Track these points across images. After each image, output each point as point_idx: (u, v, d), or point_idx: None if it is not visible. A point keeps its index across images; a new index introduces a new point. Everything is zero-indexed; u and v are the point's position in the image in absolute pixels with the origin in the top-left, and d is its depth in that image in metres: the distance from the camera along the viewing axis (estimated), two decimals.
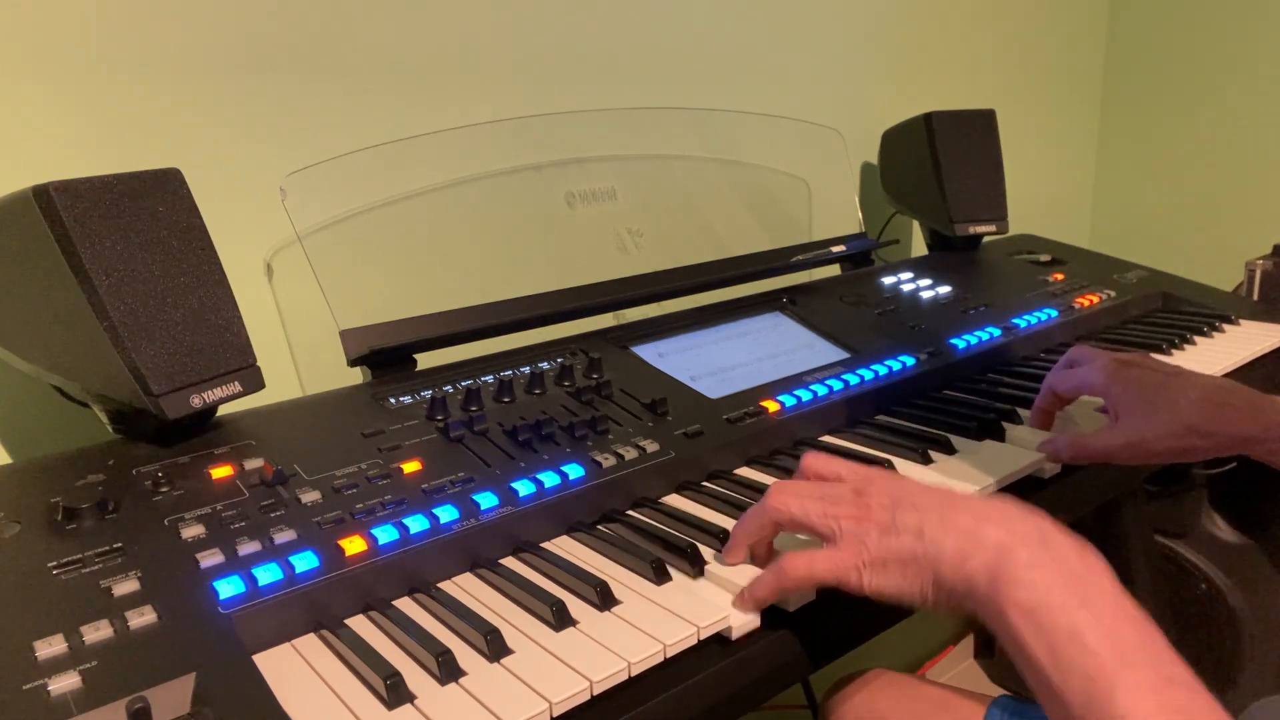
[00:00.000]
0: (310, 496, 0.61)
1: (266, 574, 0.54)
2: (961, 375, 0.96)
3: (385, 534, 0.59)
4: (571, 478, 0.67)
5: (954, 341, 0.99)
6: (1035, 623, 0.44)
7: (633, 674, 0.50)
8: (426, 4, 0.97)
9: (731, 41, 1.25)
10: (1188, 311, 1.19)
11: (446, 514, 0.61)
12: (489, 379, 0.80)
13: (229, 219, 0.79)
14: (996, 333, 1.03)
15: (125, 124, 0.81)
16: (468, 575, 0.61)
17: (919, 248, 1.47)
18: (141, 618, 0.49)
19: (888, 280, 1.14)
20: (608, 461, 0.70)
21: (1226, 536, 1.41)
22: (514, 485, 0.65)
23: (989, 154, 1.31)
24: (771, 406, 0.81)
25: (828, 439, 0.82)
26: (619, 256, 1.00)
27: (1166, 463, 0.75)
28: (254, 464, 0.64)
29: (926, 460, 0.75)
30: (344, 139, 0.91)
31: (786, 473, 0.74)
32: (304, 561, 0.55)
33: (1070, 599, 0.44)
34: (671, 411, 0.77)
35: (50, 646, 0.47)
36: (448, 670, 0.49)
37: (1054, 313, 1.10)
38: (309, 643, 0.54)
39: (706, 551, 0.61)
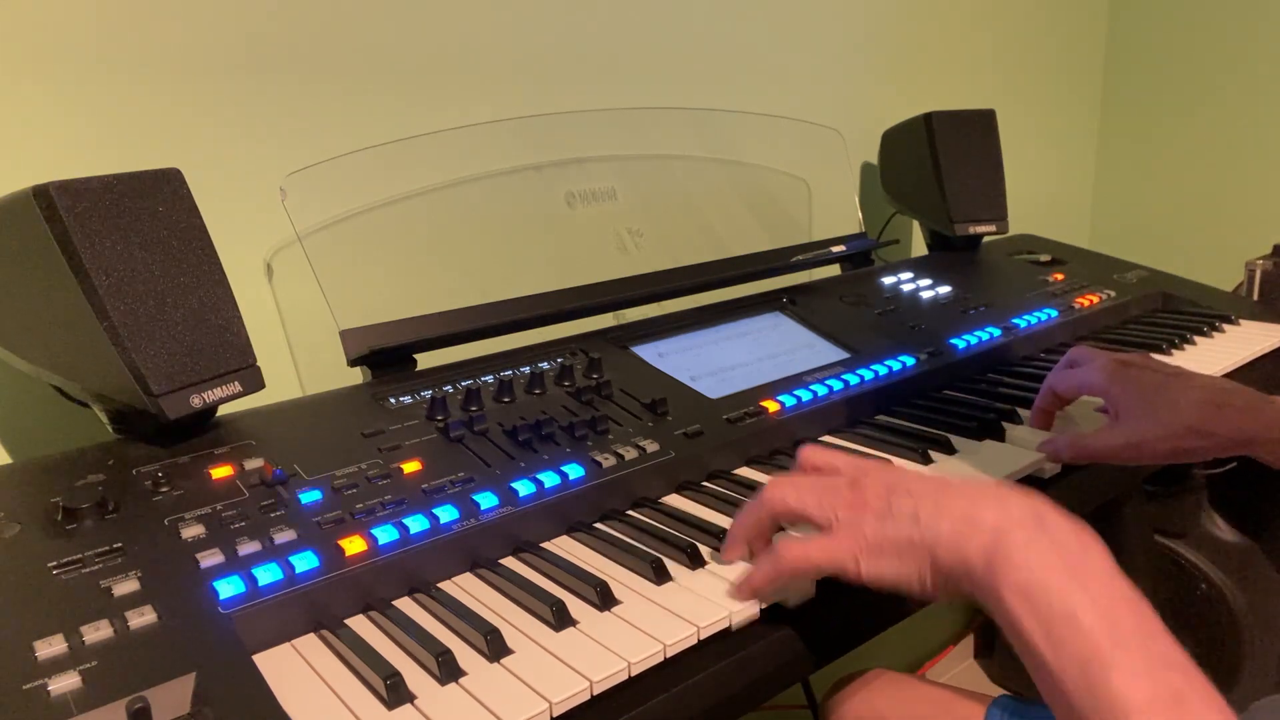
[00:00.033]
0: (310, 496, 0.61)
1: (266, 574, 0.54)
2: (961, 375, 0.96)
3: (385, 534, 0.59)
4: (571, 478, 0.67)
5: (954, 341, 0.99)
6: (1031, 604, 0.44)
7: (633, 674, 0.50)
8: (426, 4, 0.97)
9: (731, 41, 1.25)
10: (1188, 311, 1.19)
11: (446, 514, 0.61)
12: (489, 379, 0.80)
13: (229, 219, 0.79)
14: (996, 333, 1.03)
15: (125, 124, 0.81)
16: (468, 575, 0.61)
17: (919, 248, 1.47)
18: (141, 618, 0.49)
19: (888, 280, 1.14)
20: (608, 461, 0.70)
21: (1226, 536, 1.41)
22: (514, 485, 0.65)
23: (989, 154, 1.31)
24: (771, 406, 0.81)
25: (828, 439, 0.82)
26: (619, 256, 1.00)
27: (1166, 463, 0.75)
28: (254, 464, 0.64)
29: (926, 460, 0.75)
30: (344, 139, 0.91)
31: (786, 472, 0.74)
32: (304, 561, 0.55)
33: (1066, 581, 0.44)
34: (671, 411, 0.77)
35: (50, 646, 0.47)
36: (448, 670, 0.49)
37: (1054, 313, 1.10)
38: (309, 643, 0.54)
39: (706, 551, 0.61)
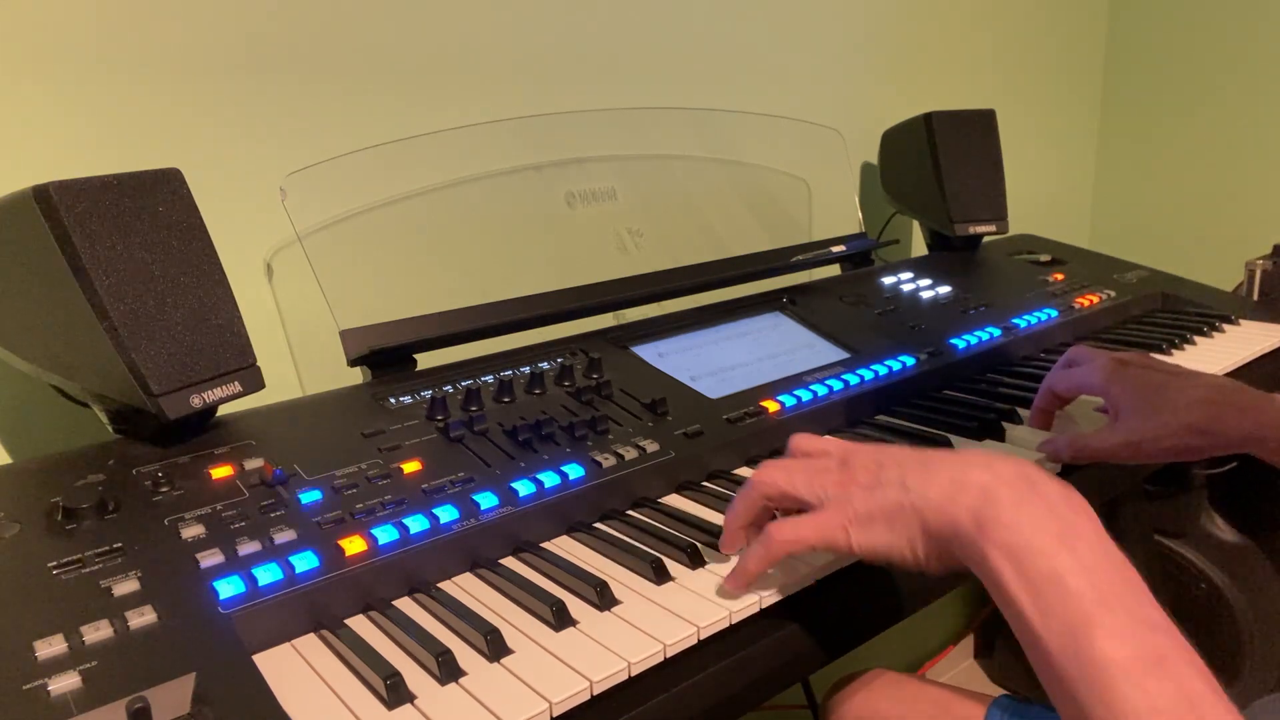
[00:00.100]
0: (310, 496, 0.61)
1: (266, 574, 0.54)
2: (961, 375, 0.96)
3: (385, 534, 0.59)
4: (571, 478, 0.67)
5: (954, 341, 0.99)
6: (1017, 565, 0.44)
7: (633, 674, 0.50)
8: (426, 4, 0.97)
9: (731, 41, 1.25)
10: (1188, 311, 1.19)
11: (446, 514, 0.61)
12: (489, 379, 0.80)
13: (229, 219, 0.79)
14: (996, 333, 1.03)
15: (125, 124, 0.81)
16: (468, 575, 0.61)
17: (919, 248, 1.47)
18: (141, 618, 0.49)
19: (888, 280, 1.14)
20: (608, 461, 0.70)
21: (1226, 536, 1.41)
22: (514, 485, 0.65)
23: (989, 154, 1.31)
24: (771, 406, 0.81)
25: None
26: (619, 256, 1.00)
27: (1166, 462, 0.75)
28: (254, 464, 0.64)
29: None
30: (344, 139, 0.91)
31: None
32: (304, 561, 0.55)
33: (1053, 542, 0.44)
34: (671, 411, 0.77)
35: (50, 646, 0.47)
36: (448, 670, 0.49)
37: (1054, 313, 1.10)
38: (309, 643, 0.54)
39: (707, 551, 0.61)
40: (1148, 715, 0.38)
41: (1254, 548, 1.40)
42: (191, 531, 0.56)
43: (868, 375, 0.89)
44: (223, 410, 0.70)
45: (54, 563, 0.53)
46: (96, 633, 0.48)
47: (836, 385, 0.86)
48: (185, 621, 0.50)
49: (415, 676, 0.49)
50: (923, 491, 0.50)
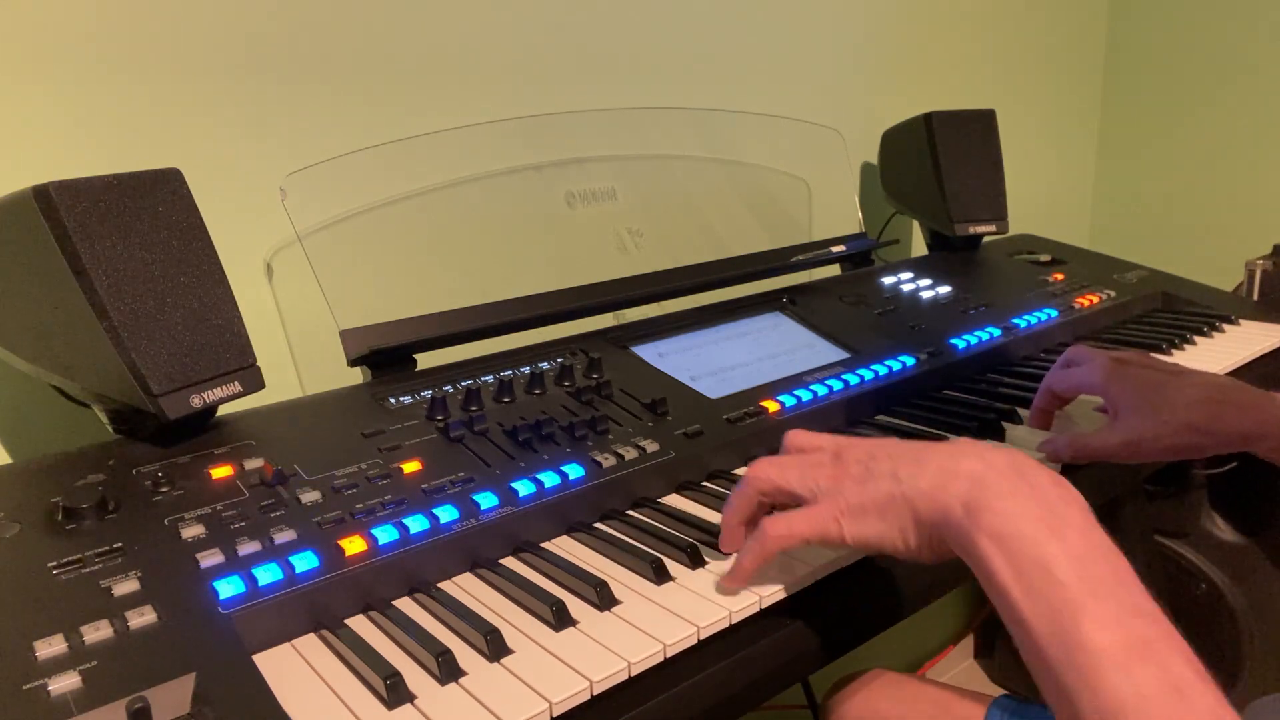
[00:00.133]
0: (310, 496, 0.61)
1: (266, 574, 0.54)
2: (961, 375, 0.96)
3: (385, 534, 0.59)
4: (571, 478, 0.67)
5: (954, 341, 0.99)
6: (1006, 551, 0.44)
7: (633, 674, 0.50)
8: (426, 4, 0.97)
9: (731, 41, 1.25)
10: (1188, 311, 1.19)
11: (446, 514, 0.61)
12: (489, 379, 0.80)
13: (229, 219, 0.79)
14: (996, 333, 1.03)
15: (125, 124, 0.81)
16: (468, 575, 0.61)
17: (919, 248, 1.47)
18: (141, 618, 0.49)
19: (888, 280, 1.14)
20: (608, 461, 0.70)
21: (1226, 536, 1.41)
22: (514, 485, 0.65)
23: (989, 154, 1.31)
24: (771, 406, 0.81)
25: None
26: (619, 256, 1.00)
27: (1166, 461, 0.75)
28: (254, 464, 0.64)
29: None
30: (344, 139, 0.91)
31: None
32: (304, 561, 0.55)
33: (1042, 529, 0.44)
34: (671, 411, 0.77)
35: (50, 646, 0.47)
36: (448, 670, 0.49)
37: (1054, 313, 1.10)
38: (309, 643, 0.54)
39: (707, 551, 0.61)
40: (1134, 701, 0.38)
41: (1254, 548, 1.40)
42: (191, 531, 0.56)
43: (868, 375, 0.89)
44: (223, 410, 0.70)
45: (54, 563, 0.53)
46: (96, 633, 0.48)
47: (836, 385, 0.86)
48: (185, 621, 0.50)
49: (415, 676, 0.49)
50: (914, 481, 0.50)
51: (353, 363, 0.79)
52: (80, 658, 0.47)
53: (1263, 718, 0.76)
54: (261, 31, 0.87)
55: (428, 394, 0.76)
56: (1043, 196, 1.80)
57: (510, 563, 0.62)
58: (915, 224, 1.48)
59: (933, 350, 0.96)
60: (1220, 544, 1.41)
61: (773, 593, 0.56)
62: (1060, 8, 1.78)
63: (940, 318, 1.05)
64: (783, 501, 0.57)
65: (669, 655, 0.52)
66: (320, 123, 0.91)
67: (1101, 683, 0.39)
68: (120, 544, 0.55)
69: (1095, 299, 1.17)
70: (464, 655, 0.51)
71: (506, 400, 0.77)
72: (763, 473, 0.56)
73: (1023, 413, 0.83)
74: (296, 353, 0.91)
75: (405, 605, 0.57)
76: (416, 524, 0.60)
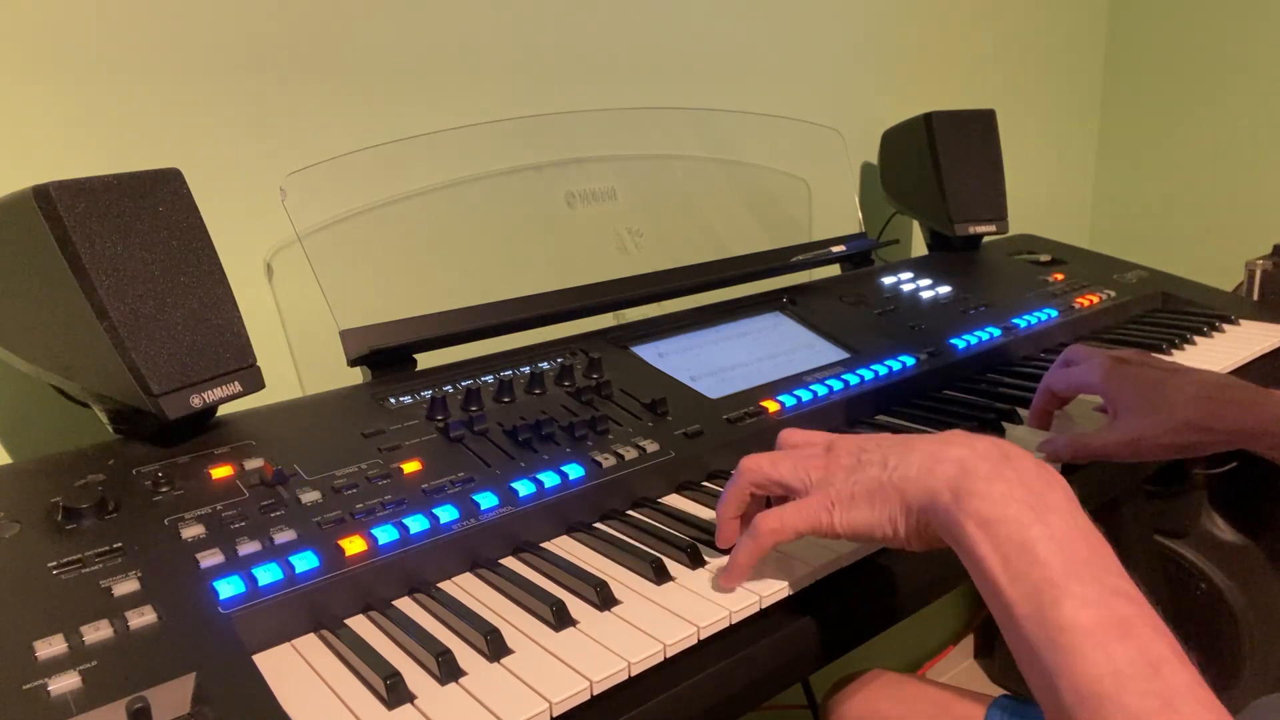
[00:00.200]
0: (310, 496, 0.61)
1: (266, 574, 0.54)
2: (961, 375, 0.96)
3: (385, 534, 0.59)
4: (571, 478, 0.67)
5: (954, 341, 0.99)
6: (991, 534, 0.45)
7: (633, 674, 0.50)
8: (426, 4, 0.97)
9: (731, 41, 1.25)
10: (1188, 311, 1.19)
11: (446, 514, 0.61)
12: (489, 379, 0.80)
13: (229, 219, 0.79)
14: (996, 333, 1.03)
15: (125, 124, 0.81)
16: (468, 575, 0.61)
17: (919, 248, 1.47)
18: (141, 618, 0.49)
19: (888, 280, 1.14)
20: (608, 461, 0.70)
21: (1226, 536, 1.41)
22: (514, 485, 0.65)
23: (989, 154, 1.31)
24: (771, 406, 0.81)
25: None
26: (619, 256, 1.00)
27: (1166, 459, 0.75)
28: (254, 464, 0.64)
29: None
30: (344, 139, 0.91)
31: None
32: (304, 561, 0.55)
33: (1026, 513, 0.45)
34: (671, 411, 0.77)
35: (50, 646, 0.47)
36: (448, 670, 0.49)
37: (1054, 313, 1.10)
38: (309, 643, 0.54)
39: (707, 551, 0.61)
40: (1112, 678, 0.39)
41: (1254, 548, 1.40)
42: (191, 531, 0.56)
43: (868, 375, 0.89)
44: (223, 410, 0.70)
45: (54, 563, 0.53)
46: (96, 633, 0.48)
47: (836, 385, 0.86)
48: (185, 621, 0.50)
49: (415, 676, 0.49)
50: (903, 468, 0.51)
51: (353, 363, 0.79)
52: (80, 658, 0.46)
53: (1263, 718, 0.76)
54: (261, 31, 0.87)
55: (428, 394, 0.76)
56: (1043, 196, 1.80)
57: (510, 563, 0.62)
58: (915, 224, 1.48)
59: (933, 350, 0.96)
60: (1220, 544, 1.41)
61: (773, 593, 0.56)
62: (1060, 8, 1.78)
63: (940, 318, 1.05)
64: (777, 495, 0.57)
65: (669, 655, 0.52)
66: (320, 123, 0.91)
67: (1081, 661, 0.40)
68: (120, 544, 0.55)
69: (1095, 299, 1.17)
70: (464, 655, 0.51)
71: (506, 400, 0.77)
72: (755, 465, 0.57)
73: (1023, 413, 0.83)
74: (296, 353, 0.91)
75: (405, 605, 0.57)
76: (416, 524, 0.60)
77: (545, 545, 0.64)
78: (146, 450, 0.65)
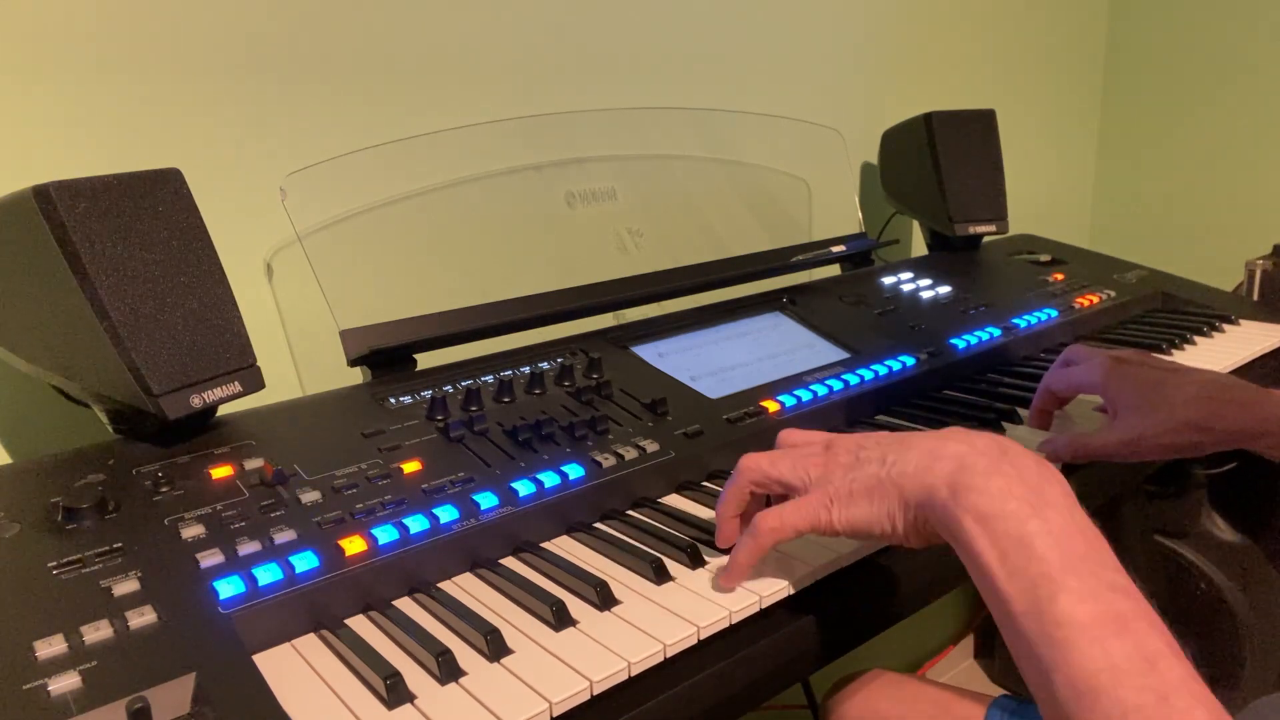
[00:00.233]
0: (310, 496, 0.61)
1: (266, 574, 0.54)
2: (961, 375, 0.96)
3: (385, 534, 0.59)
4: (571, 478, 0.67)
5: (954, 341, 0.99)
6: (988, 529, 0.45)
7: (633, 674, 0.50)
8: (426, 4, 0.97)
9: (731, 41, 1.25)
10: (1188, 311, 1.19)
11: (446, 514, 0.61)
12: (489, 379, 0.80)
13: (229, 219, 0.79)
14: (996, 333, 1.03)
15: (125, 124, 0.81)
16: (468, 575, 0.61)
17: (919, 248, 1.47)
18: (141, 618, 0.49)
19: (888, 280, 1.14)
20: (608, 461, 0.70)
21: (1226, 536, 1.41)
22: (514, 485, 0.65)
23: (989, 154, 1.31)
24: (771, 406, 0.81)
25: None
26: (619, 256, 1.00)
27: (1166, 459, 0.75)
28: (254, 464, 0.64)
29: None
30: (344, 139, 0.91)
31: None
32: (304, 561, 0.55)
33: (1023, 508, 0.45)
34: (671, 411, 0.77)
35: (50, 646, 0.47)
36: (448, 670, 0.49)
37: (1054, 313, 1.10)
38: (309, 643, 0.54)
39: (707, 551, 0.61)
40: (1108, 672, 0.39)
41: (1254, 548, 1.40)
42: (191, 531, 0.56)
43: (868, 375, 0.89)
44: (223, 410, 0.70)
45: (54, 563, 0.53)
46: (96, 633, 0.48)
47: (836, 385, 0.86)
48: (185, 621, 0.50)
49: (415, 676, 0.49)
50: (901, 465, 0.51)
51: (353, 363, 0.79)
52: (80, 658, 0.46)
53: (1263, 718, 0.76)
54: (261, 31, 0.87)
55: (428, 394, 0.76)
56: (1043, 196, 1.80)
57: (510, 563, 0.62)
58: (915, 224, 1.48)
59: (933, 350, 0.96)
60: (1220, 544, 1.41)
61: (773, 593, 0.56)
62: (1060, 8, 1.78)
63: (940, 318, 1.05)
64: (776, 494, 0.57)
65: (669, 655, 0.52)
66: (320, 123, 0.91)
67: (1077, 655, 0.40)
68: (120, 544, 0.55)
69: (1095, 299, 1.17)
70: (464, 655, 0.51)
71: (506, 400, 0.77)
72: (754, 464, 0.57)
73: (1022, 413, 0.83)
74: (296, 353, 0.91)
75: (405, 605, 0.57)
76: (416, 524, 0.60)
77: (545, 545, 0.64)
78: (146, 450, 0.65)
